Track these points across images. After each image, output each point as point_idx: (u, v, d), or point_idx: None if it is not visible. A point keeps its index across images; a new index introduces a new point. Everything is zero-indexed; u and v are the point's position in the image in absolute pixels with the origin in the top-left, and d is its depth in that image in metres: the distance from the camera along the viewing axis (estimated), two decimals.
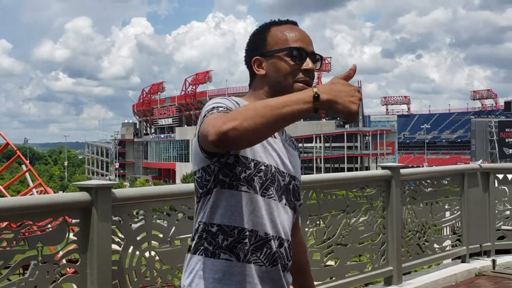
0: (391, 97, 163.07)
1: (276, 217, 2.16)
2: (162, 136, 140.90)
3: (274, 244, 2.15)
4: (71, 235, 3.85)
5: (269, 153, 2.17)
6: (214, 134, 1.82)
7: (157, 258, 4.34)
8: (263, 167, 2.12)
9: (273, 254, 2.14)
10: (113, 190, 4.00)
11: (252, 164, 2.10)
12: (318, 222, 5.71)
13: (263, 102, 1.86)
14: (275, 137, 2.24)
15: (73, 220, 3.90)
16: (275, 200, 2.17)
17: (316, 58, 2.33)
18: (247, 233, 2.09)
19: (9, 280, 3.60)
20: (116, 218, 4.09)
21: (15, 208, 3.52)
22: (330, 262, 5.86)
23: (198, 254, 2.15)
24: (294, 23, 2.37)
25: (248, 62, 2.36)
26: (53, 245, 4.03)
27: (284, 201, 2.22)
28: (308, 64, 2.27)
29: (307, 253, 2.51)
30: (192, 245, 2.20)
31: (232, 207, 2.09)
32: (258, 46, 2.33)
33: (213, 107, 2.03)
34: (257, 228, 2.11)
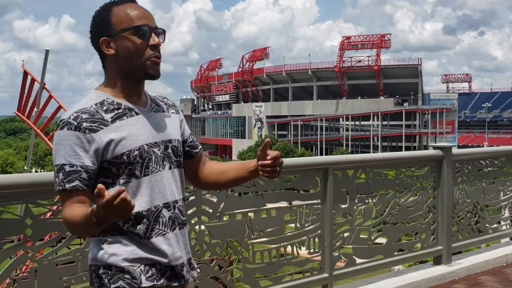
0: (452, 74, 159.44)
1: (162, 186, 2.40)
2: (219, 112, 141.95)
3: (166, 211, 2.40)
4: None
5: (137, 135, 2.36)
6: (62, 216, 2.28)
7: (206, 232, 4.49)
8: (136, 152, 2.34)
9: (169, 219, 2.40)
10: None
11: (125, 157, 2.32)
12: (366, 201, 5.75)
13: (74, 218, 2.18)
14: (136, 113, 2.41)
15: None
16: (158, 171, 2.40)
17: (159, 32, 2.43)
18: (144, 213, 2.33)
19: (69, 248, 3.81)
20: None
21: None
22: (378, 240, 5.89)
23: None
24: (133, 1, 2.45)
25: (96, 44, 2.44)
26: None
27: (167, 165, 2.45)
28: (154, 39, 2.39)
29: None
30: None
31: None
32: (103, 27, 2.40)
33: (59, 167, 2.27)
34: (148, 206, 2.34)
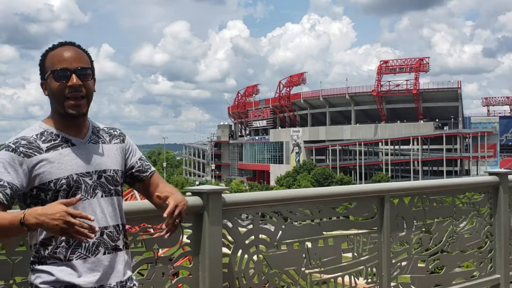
0: (492, 97, 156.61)
1: (89, 213, 2.48)
2: (257, 138, 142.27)
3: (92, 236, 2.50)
4: (185, 238, 4.00)
5: (67, 164, 2.60)
6: None
7: (264, 262, 4.44)
8: (64, 181, 2.57)
9: (92, 244, 2.59)
10: (222, 195, 4.12)
11: (52, 184, 2.55)
12: (423, 229, 5.63)
13: None
14: (72, 145, 2.65)
15: (186, 224, 4.04)
16: (86, 199, 2.61)
17: (83, 72, 2.63)
18: (63, 238, 2.52)
19: None
20: (226, 222, 4.21)
21: (138, 211, 3.69)
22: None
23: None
24: (68, 44, 2.70)
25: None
26: (167, 248, 4.19)
27: (99, 193, 2.67)
28: (72, 80, 2.60)
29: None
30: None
31: None
32: (41, 71, 2.71)
33: None
34: None
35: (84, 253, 2.59)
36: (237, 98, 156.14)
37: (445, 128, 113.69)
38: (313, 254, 4.73)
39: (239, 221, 4.31)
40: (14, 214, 2.36)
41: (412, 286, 5.44)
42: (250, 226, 4.37)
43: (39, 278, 2.55)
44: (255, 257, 4.39)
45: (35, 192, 2.57)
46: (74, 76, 2.60)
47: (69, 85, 2.60)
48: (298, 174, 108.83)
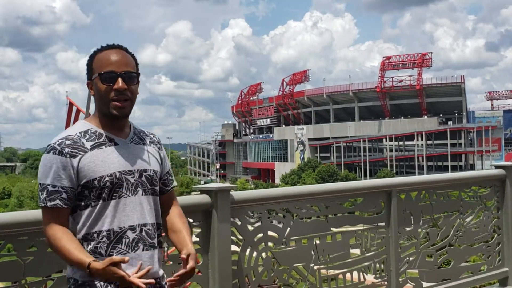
0: (496, 91, 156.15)
1: (130, 210, 2.69)
2: (261, 136, 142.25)
3: (131, 233, 2.68)
4: (194, 237, 4.01)
5: (111, 162, 2.69)
6: (44, 231, 2.65)
7: (273, 258, 4.45)
8: (107, 178, 2.66)
9: (132, 240, 2.68)
10: (231, 192, 4.14)
11: (96, 181, 2.64)
12: (431, 223, 5.64)
13: (61, 245, 2.57)
14: (116, 144, 2.75)
15: (195, 222, 4.06)
16: (126, 196, 2.70)
17: (131, 76, 2.75)
18: (104, 233, 2.64)
19: None
20: (235, 220, 4.23)
21: None
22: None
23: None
24: (116, 47, 2.80)
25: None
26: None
27: (140, 192, 2.75)
28: (118, 84, 2.70)
29: (184, 220, 3.04)
30: None
31: (90, 219, 2.65)
32: (88, 71, 2.82)
33: (44, 186, 2.64)
34: (110, 226, 2.65)
35: (125, 248, 2.66)
36: (240, 97, 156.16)
37: (449, 123, 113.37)
38: (321, 250, 4.75)
39: (248, 218, 4.33)
40: (81, 258, 2.51)
41: (420, 280, 5.45)
42: (259, 223, 4.39)
43: (79, 272, 2.59)
44: (264, 254, 4.40)
45: (79, 189, 2.66)
46: (120, 79, 2.71)
47: (115, 88, 2.70)
48: (303, 171, 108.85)
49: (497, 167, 6.43)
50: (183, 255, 2.75)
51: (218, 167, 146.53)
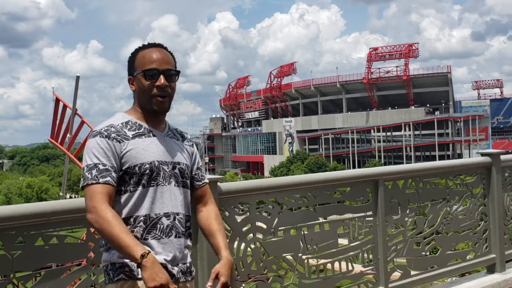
0: (482, 81, 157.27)
1: (166, 198, 2.84)
2: (249, 129, 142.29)
3: (165, 220, 2.81)
4: None
5: (151, 151, 2.84)
6: (86, 213, 2.68)
7: (262, 249, 4.47)
8: (147, 166, 2.80)
9: (166, 227, 2.81)
10: (218, 183, 4.15)
11: (137, 168, 2.78)
12: (418, 212, 5.68)
13: (111, 228, 2.59)
14: (154, 135, 2.91)
15: None
16: (163, 185, 2.85)
17: (171, 73, 2.92)
18: (141, 218, 2.77)
19: None
20: (223, 211, 4.24)
21: None
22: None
23: None
24: (157, 46, 2.98)
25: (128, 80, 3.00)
26: None
27: (173, 182, 2.89)
28: (160, 81, 2.87)
29: (220, 221, 3.10)
30: None
31: (128, 204, 2.77)
32: (130, 67, 2.98)
33: (93, 165, 2.73)
34: (147, 212, 2.78)
35: (159, 234, 2.80)
36: (228, 90, 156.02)
37: (436, 113, 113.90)
38: (309, 240, 4.77)
39: (236, 209, 4.34)
40: (135, 249, 2.55)
41: (408, 268, 5.49)
42: (247, 214, 4.40)
43: (116, 253, 2.71)
44: (252, 245, 4.42)
45: (121, 174, 2.78)
46: (162, 77, 2.88)
47: (157, 84, 2.87)
48: (292, 164, 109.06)
49: (483, 154, 6.47)
50: (213, 273, 2.80)
51: (207, 161, 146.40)
